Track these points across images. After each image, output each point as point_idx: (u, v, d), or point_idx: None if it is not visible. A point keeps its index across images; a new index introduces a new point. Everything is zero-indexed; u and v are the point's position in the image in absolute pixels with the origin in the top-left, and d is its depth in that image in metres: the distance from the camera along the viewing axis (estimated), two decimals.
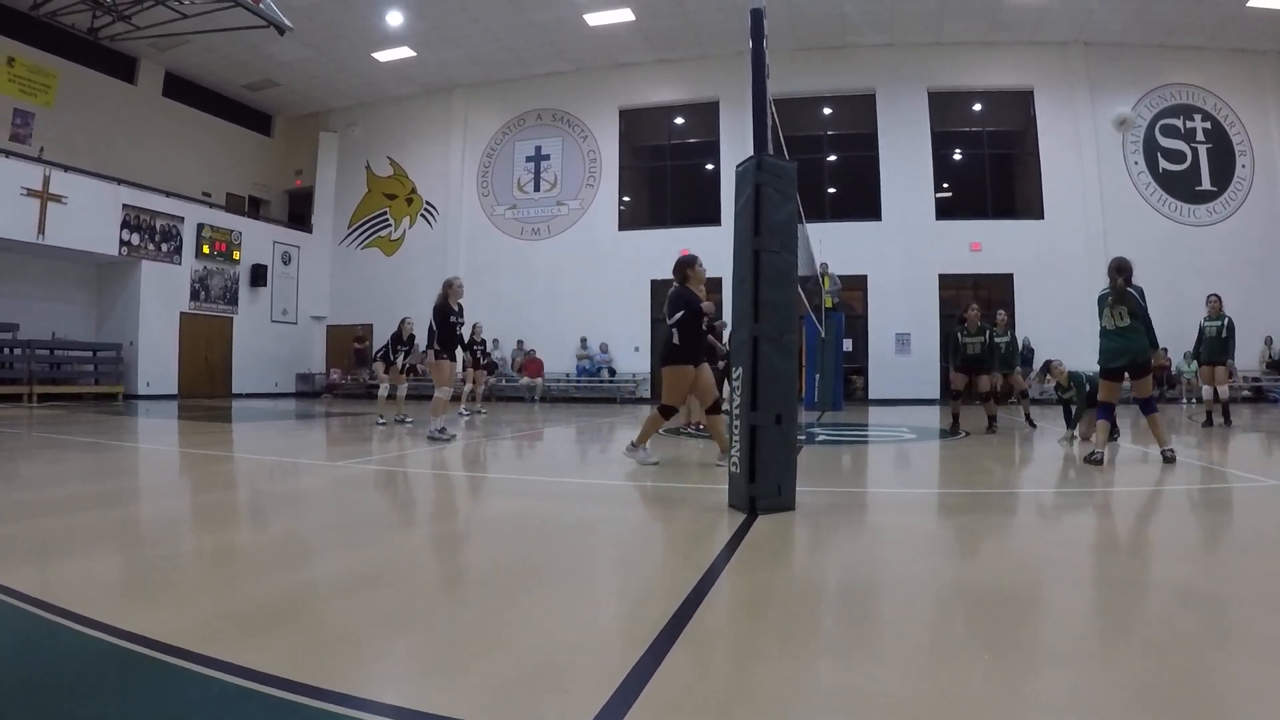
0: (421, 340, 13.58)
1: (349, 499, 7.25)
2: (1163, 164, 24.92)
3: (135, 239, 24.78)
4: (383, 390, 16.07)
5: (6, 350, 22.62)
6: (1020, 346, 15.43)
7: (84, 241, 23.17)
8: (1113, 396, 9.33)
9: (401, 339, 16.09)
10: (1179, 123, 24.96)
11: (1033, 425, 14.46)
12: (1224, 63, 24.83)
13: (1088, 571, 4.45)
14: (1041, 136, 25.34)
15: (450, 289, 12.20)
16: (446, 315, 12.08)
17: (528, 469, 9.91)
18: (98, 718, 2.38)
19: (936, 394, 24.87)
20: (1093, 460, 8.77)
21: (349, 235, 32.18)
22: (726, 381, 16.59)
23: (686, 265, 8.98)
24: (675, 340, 8.67)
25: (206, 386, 27.18)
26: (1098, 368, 9.40)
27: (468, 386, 19.01)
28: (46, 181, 21.78)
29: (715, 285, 25.96)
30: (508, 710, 2.46)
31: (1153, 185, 24.84)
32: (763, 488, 5.81)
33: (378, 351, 16.56)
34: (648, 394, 26.99)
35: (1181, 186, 24.84)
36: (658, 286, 27.04)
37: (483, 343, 19.47)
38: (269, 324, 29.60)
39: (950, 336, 14.39)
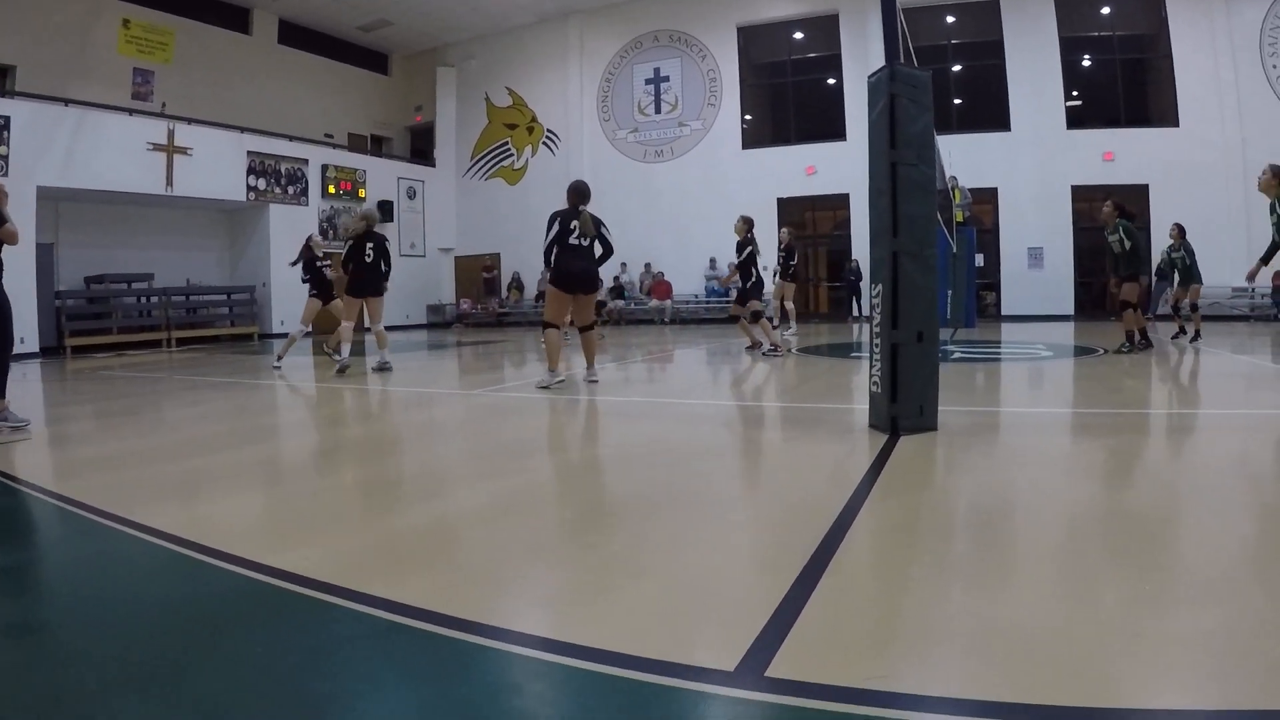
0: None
1: (482, 428, 7.36)
2: None
3: (262, 184, 25.23)
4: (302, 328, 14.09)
5: (143, 299, 23.23)
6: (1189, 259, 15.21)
7: (212, 190, 23.68)
8: None
9: (317, 258, 14.49)
10: None
11: (1184, 334, 14.56)
12: None
13: (1239, 496, 4.27)
14: (1174, 39, 23.96)
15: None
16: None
17: (660, 392, 9.91)
18: (249, 654, 2.45)
19: (1071, 310, 24.40)
20: None
21: (472, 167, 32.39)
22: (786, 298, 17.07)
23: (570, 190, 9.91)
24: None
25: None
26: None
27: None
28: (171, 135, 22.22)
29: (843, 201, 26.01)
30: (660, 641, 2.45)
31: None
32: (904, 408, 5.78)
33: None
34: (773, 314, 26.98)
35: None
36: (784, 204, 26.93)
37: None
38: (397, 258, 29.09)
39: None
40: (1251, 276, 9.30)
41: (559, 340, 9.69)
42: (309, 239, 14.60)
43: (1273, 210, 9.26)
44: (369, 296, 12.06)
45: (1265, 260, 9.08)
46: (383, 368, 12.14)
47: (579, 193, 9.66)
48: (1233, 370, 10.30)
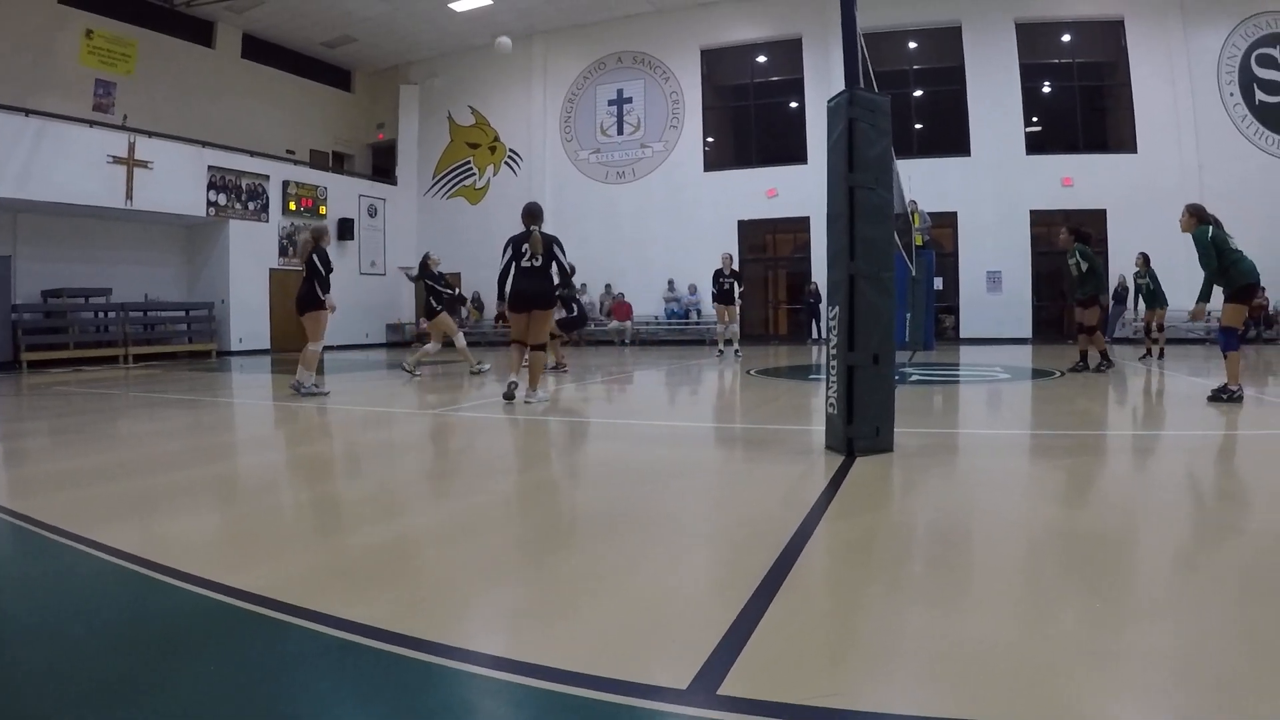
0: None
1: (441, 447, 7.37)
2: (1259, 95, 23.94)
3: (222, 199, 25.04)
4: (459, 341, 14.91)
5: (101, 314, 23.00)
6: (1118, 282, 16.29)
7: (172, 204, 23.44)
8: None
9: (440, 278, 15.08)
10: (1275, 52, 23.92)
11: (1150, 355, 15.25)
12: None
13: (1192, 516, 4.40)
14: (1133, 68, 24.54)
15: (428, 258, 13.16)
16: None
17: (619, 413, 9.94)
18: (205, 674, 2.42)
19: (1029, 333, 24.72)
20: (1235, 398, 8.81)
21: (434, 186, 32.41)
22: (731, 320, 17.43)
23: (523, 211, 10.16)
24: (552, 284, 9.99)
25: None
26: (1230, 293, 9.20)
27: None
28: (132, 148, 22.01)
29: (803, 224, 26.16)
30: (612, 661, 2.44)
31: (1249, 117, 23.89)
32: (860, 429, 5.80)
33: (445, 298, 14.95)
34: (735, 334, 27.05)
35: (1278, 118, 23.89)
36: (745, 227, 27.10)
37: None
38: (358, 276, 29.72)
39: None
40: (1197, 316, 9.44)
41: (542, 362, 10.03)
42: (426, 256, 14.84)
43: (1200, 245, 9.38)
44: (301, 313, 11.78)
45: (1204, 298, 9.24)
46: (298, 389, 11.58)
47: (530, 214, 9.89)
48: (1188, 392, 10.44)
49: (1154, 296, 16.20)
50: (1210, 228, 9.14)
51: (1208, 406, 8.71)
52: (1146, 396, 10.92)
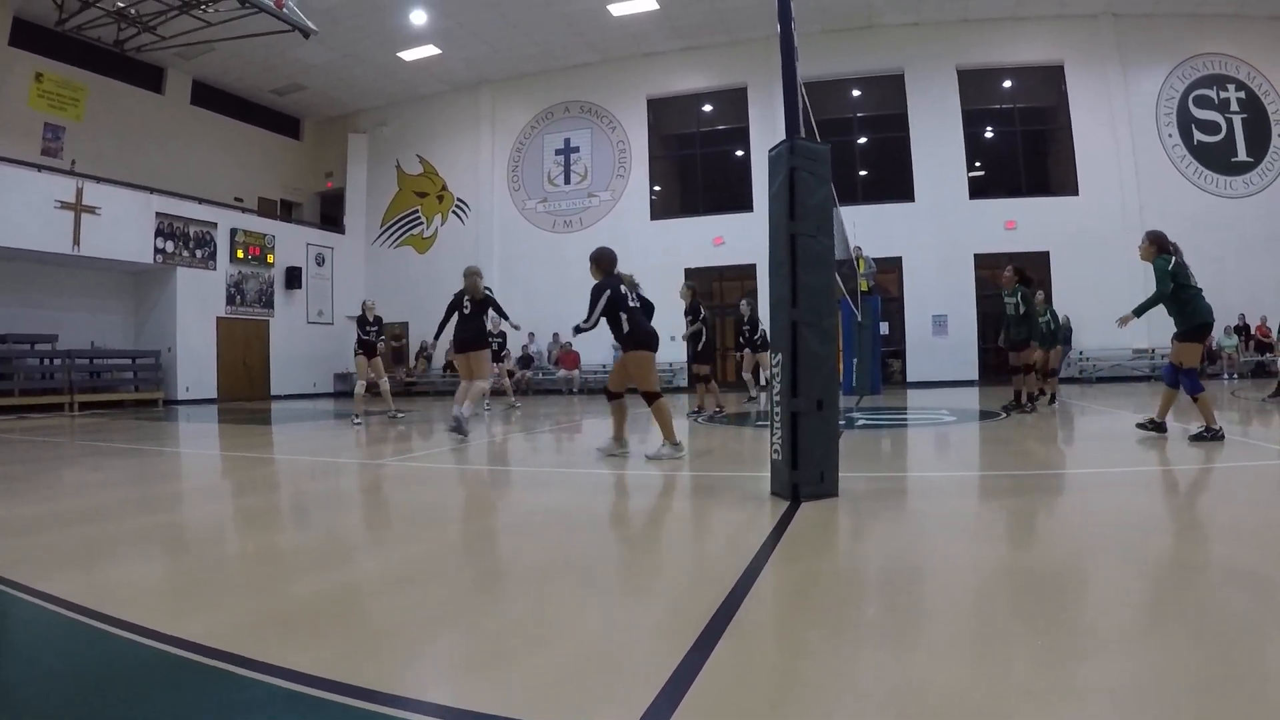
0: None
1: (388, 497, 7.30)
2: (1197, 136, 24.60)
3: (169, 246, 24.93)
4: (359, 388, 16.42)
5: (47, 360, 22.80)
6: (1062, 323, 16.62)
7: (119, 251, 23.33)
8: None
9: (368, 321, 16.28)
10: (1212, 93, 24.64)
11: (1053, 402, 14.95)
12: (1256, 31, 24.44)
13: (1137, 554, 4.36)
14: (1074, 111, 25.08)
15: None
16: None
17: (566, 461, 9.89)
18: None
19: (976, 375, 24.99)
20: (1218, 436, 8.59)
21: (381, 235, 32.36)
22: (760, 367, 16.75)
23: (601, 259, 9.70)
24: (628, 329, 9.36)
25: (245, 389, 27.40)
26: (1183, 330, 9.17)
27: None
28: (79, 194, 21.90)
29: (750, 272, 26.25)
30: (556, 708, 2.45)
31: (1188, 158, 24.54)
32: (805, 474, 5.77)
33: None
34: (685, 383, 26.98)
35: (1217, 158, 24.53)
36: (692, 275, 27.01)
37: (501, 335, 19.06)
38: (305, 325, 29.78)
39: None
40: (1124, 323, 9.42)
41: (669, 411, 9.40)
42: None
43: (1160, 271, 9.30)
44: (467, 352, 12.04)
45: (1139, 312, 9.23)
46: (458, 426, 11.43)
47: (612, 260, 9.69)
48: (1130, 430, 10.41)
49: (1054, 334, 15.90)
50: (1171, 258, 9.04)
51: (1149, 444, 8.71)
52: (1090, 435, 10.99)
